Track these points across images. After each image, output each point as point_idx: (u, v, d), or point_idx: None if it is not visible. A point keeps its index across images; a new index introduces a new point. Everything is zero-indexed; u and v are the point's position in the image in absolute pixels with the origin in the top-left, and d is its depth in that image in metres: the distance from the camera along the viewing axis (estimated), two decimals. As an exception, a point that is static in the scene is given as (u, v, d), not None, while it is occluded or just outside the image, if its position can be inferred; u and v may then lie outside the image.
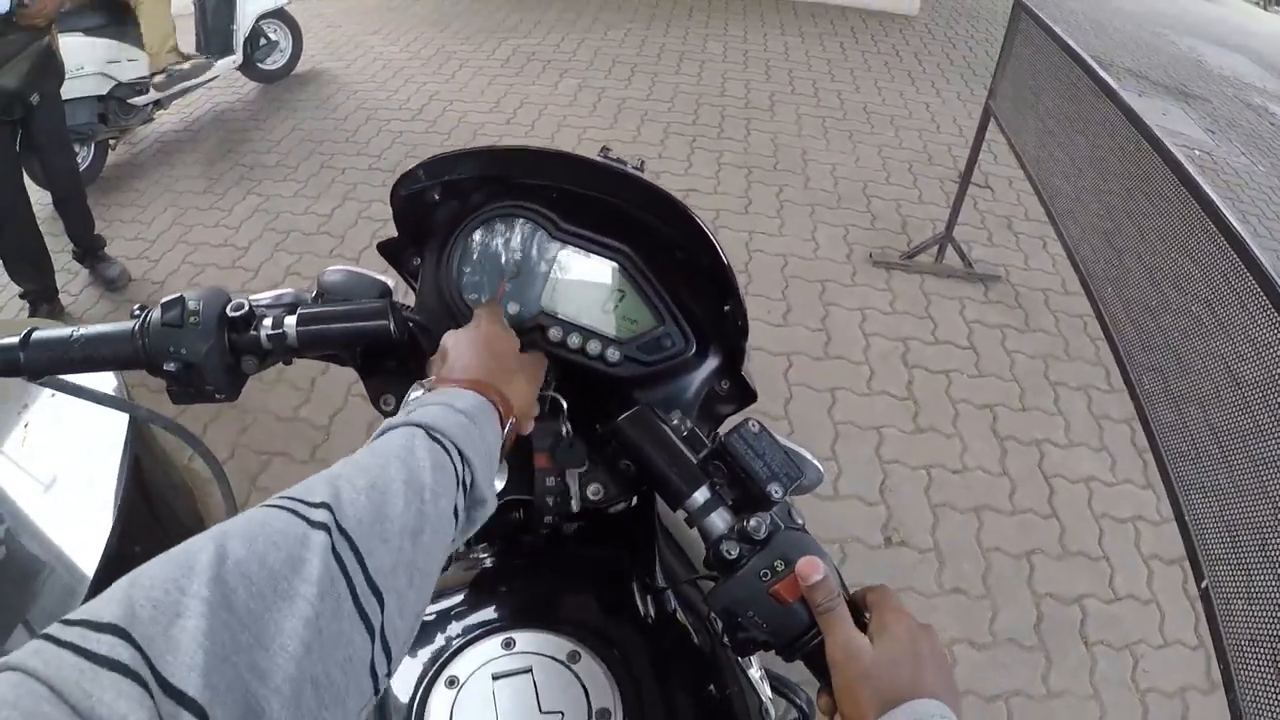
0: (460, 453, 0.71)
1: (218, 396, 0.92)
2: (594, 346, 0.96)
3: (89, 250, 4.42)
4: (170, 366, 0.88)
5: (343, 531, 0.58)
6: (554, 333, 0.98)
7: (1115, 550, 2.77)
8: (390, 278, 1.00)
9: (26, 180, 4.04)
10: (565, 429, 0.94)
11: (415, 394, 0.82)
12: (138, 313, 0.90)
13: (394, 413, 0.94)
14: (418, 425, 0.71)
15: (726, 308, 0.95)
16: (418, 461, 0.67)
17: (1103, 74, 2.61)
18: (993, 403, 3.31)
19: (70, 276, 4.40)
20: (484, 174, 1.02)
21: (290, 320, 0.90)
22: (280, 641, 0.50)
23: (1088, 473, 3.03)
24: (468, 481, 0.72)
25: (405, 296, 1.06)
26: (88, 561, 2.07)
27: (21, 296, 4.15)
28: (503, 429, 0.81)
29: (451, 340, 0.89)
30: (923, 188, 4.79)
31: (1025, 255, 4.18)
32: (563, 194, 1.00)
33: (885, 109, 5.69)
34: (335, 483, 0.62)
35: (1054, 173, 3.10)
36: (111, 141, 5.39)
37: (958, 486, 2.98)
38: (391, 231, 1.08)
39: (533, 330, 0.99)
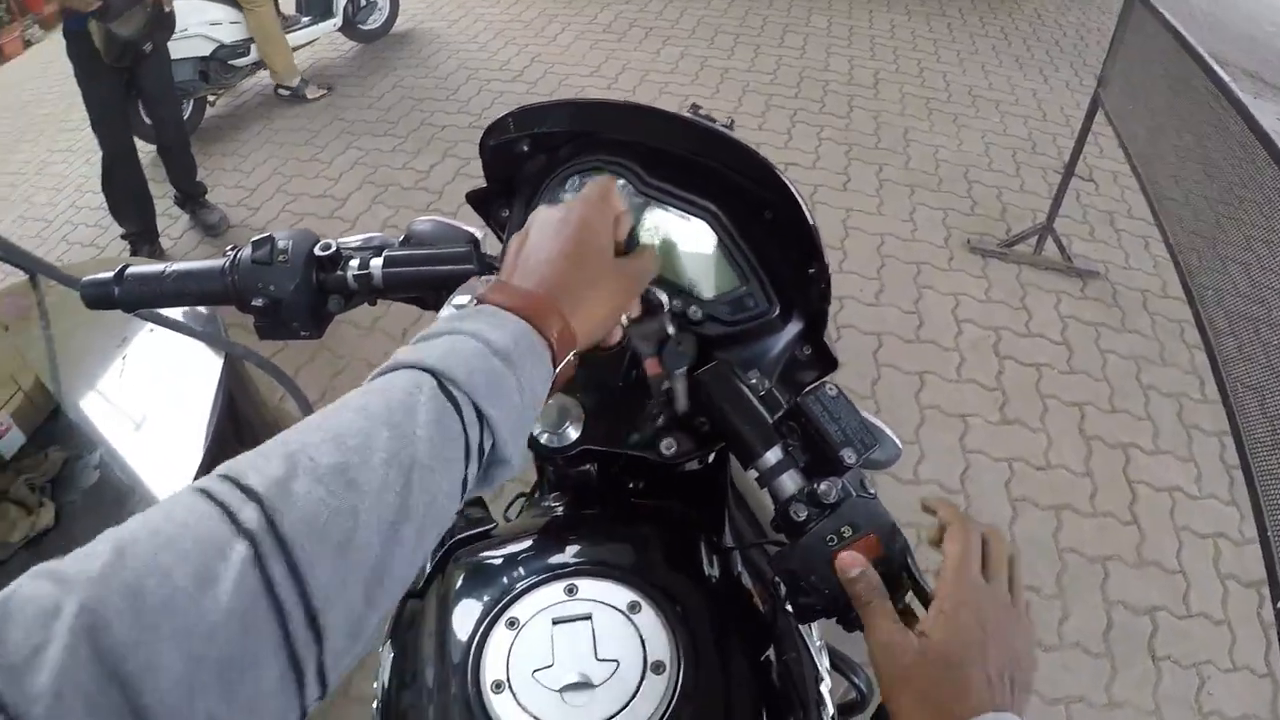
0: (480, 412, 0.57)
1: (303, 334, 0.94)
2: (676, 303, 0.95)
3: (190, 196, 4.64)
4: (258, 302, 0.91)
5: (279, 541, 0.45)
6: None
7: (1192, 565, 2.68)
8: (480, 229, 1.01)
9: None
10: (670, 327, 0.90)
11: (459, 300, 0.74)
12: (229, 252, 0.94)
13: None
14: (430, 371, 0.57)
15: (811, 271, 0.93)
16: (414, 428, 0.53)
17: (1218, 70, 2.50)
18: (1082, 401, 3.23)
19: (171, 221, 4.62)
20: (572, 127, 1.02)
21: (376, 262, 0.92)
22: (164, 688, 0.40)
23: (1173, 482, 2.94)
24: (486, 446, 0.59)
25: (495, 250, 1.07)
26: (179, 486, 2.14)
27: (124, 238, 4.41)
28: (554, 368, 0.66)
29: (538, 221, 0.74)
30: (1025, 176, 4.65)
31: (1126, 253, 4.04)
32: (650, 150, 0.99)
33: (991, 93, 5.53)
34: (293, 459, 0.49)
35: (1161, 170, 2.99)
36: (211, 98, 5.64)
37: (1040, 483, 2.92)
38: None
39: None
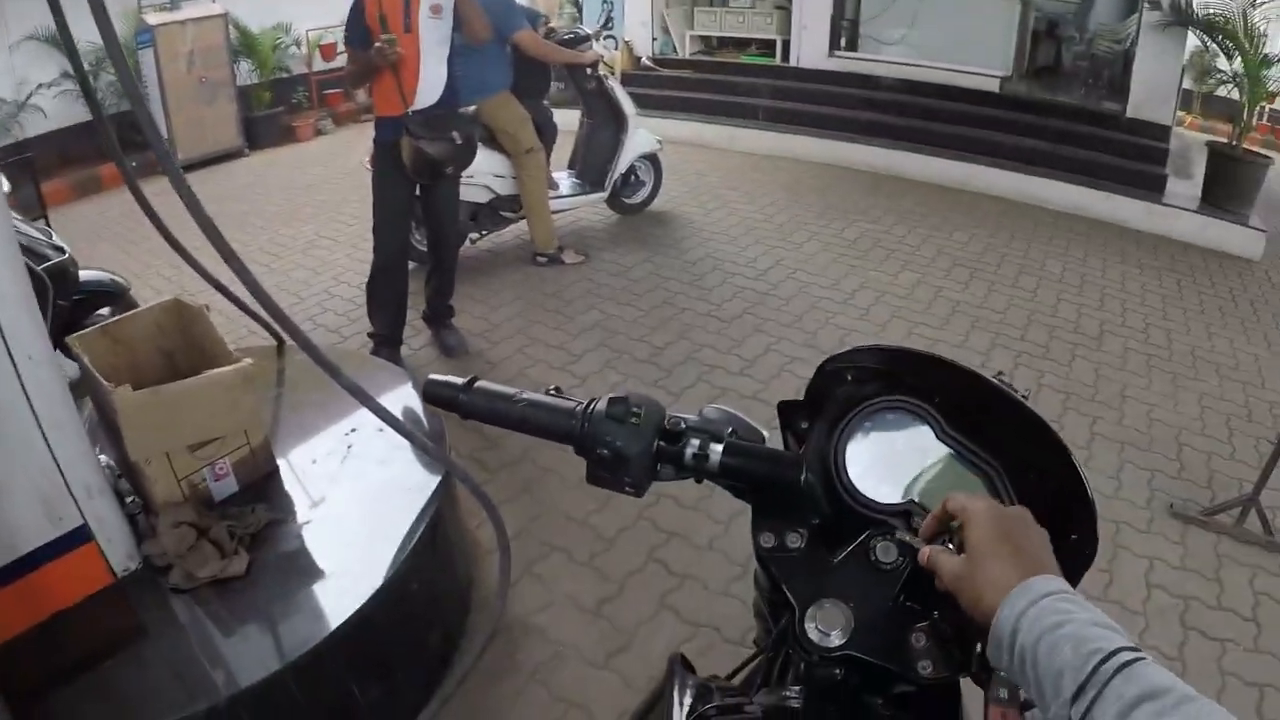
0: None
1: (629, 490, 1.03)
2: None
3: (438, 315, 5.02)
4: (601, 452, 1.00)
5: None
6: (918, 523, 0.97)
7: None
8: (764, 428, 1.10)
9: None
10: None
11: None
12: (578, 401, 1.05)
13: (772, 549, 0.99)
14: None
15: (1074, 538, 0.93)
16: None
17: None
18: (1263, 682, 3.17)
19: (414, 332, 5.04)
20: (891, 368, 1.09)
21: (716, 448, 1.00)
22: None
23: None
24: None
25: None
26: (368, 583, 2.29)
27: (370, 335, 4.74)
28: None
29: (1019, 529, 0.83)
30: (1237, 444, 4.61)
31: (1334, 537, 3.87)
32: (950, 401, 1.04)
33: (1212, 356, 5.53)
34: None
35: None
36: (473, 237, 6.21)
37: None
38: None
39: (899, 515, 1.00)
